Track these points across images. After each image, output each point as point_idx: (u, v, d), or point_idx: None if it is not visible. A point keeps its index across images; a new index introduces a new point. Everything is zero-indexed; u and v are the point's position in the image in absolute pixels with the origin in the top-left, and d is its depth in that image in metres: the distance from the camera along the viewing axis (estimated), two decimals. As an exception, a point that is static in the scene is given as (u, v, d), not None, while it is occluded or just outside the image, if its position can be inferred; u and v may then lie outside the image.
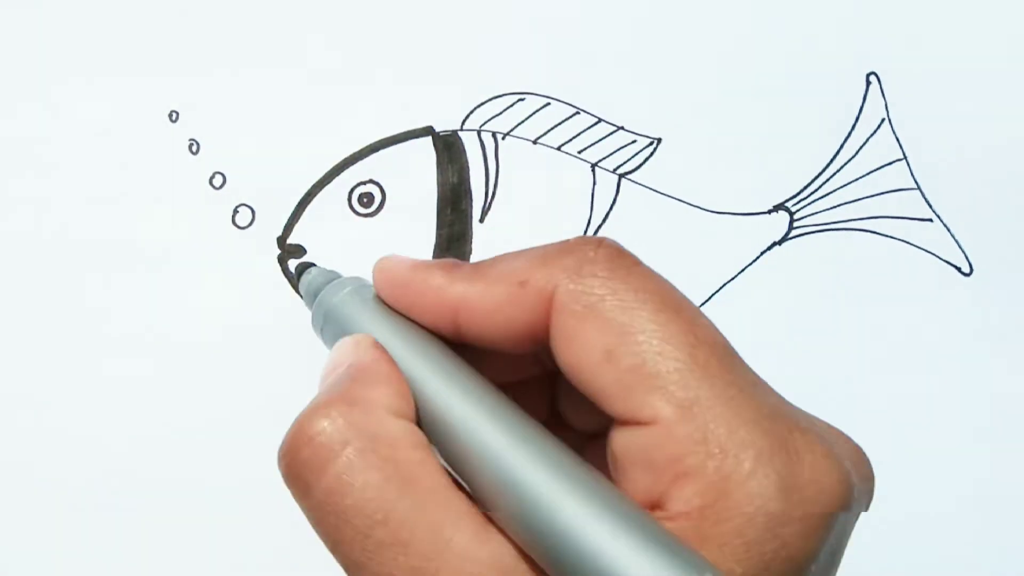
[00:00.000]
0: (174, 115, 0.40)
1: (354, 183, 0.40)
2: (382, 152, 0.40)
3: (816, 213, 0.41)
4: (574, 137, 0.41)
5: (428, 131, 0.40)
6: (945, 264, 0.41)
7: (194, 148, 0.40)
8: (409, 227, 0.40)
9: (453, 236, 0.40)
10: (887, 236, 0.41)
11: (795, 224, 0.41)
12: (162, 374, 0.38)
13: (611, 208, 0.41)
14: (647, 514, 0.19)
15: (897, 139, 0.42)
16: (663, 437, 0.19)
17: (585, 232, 0.40)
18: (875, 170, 0.42)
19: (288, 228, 0.39)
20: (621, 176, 0.41)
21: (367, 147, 0.40)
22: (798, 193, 0.41)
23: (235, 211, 0.39)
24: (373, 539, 0.19)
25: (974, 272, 0.41)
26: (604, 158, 0.41)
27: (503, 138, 0.40)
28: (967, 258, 0.41)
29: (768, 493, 0.18)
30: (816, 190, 0.41)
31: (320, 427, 0.20)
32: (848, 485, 0.19)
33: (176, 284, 0.39)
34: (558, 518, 0.18)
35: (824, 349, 0.40)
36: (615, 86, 0.41)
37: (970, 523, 0.40)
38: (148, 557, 0.37)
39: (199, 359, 0.38)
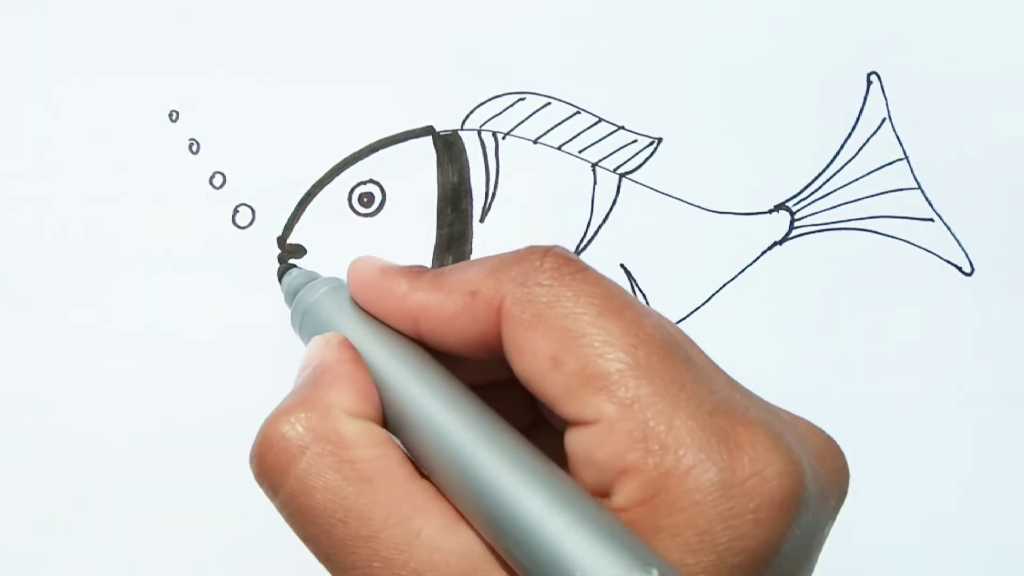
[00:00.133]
0: (174, 115, 0.40)
1: (354, 183, 0.40)
2: (382, 152, 0.40)
3: (817, 213, 0.41)
4: (574, 137, 0.41)
5: (428, 131, 0.40)
6: (946, 264, 0.41)
7: (194, 148, 0.40)
8: (409, 227, 0.40)
9: (453, 236, 0.40)
10: (888, 236, 0.41)
11: (796, 224, 0.41)
12: (162, 374, 0.38)
13: (611, 208, 0.41)
14: (604, 508, 0.19)
15: (898, 139, 0.42)
16: (605, 435, 0.19)
17: (586, 232, 0.40)
18: (876, 170, 0.42)
19: (288, 228, 0.39)
20: (621, 176, 0.41)
21: (367, 147, 0.40)
22: (799, 193, 0.41)
23: (235, 211, 0.39)
24: (338, 536, 0.20)
25: (975, 272, 0.41)
26: (604, 158, 0.41)
27: (503, 138, 0.40)
28: (968, 258, 0.41)
29: (707, 487, 0.18)
30: (817, 190, 0.41)
31: (281, 432, 0.22)
32: (797, 476, 0.19)
33: (176, 284, 0.39)
34: (516, 512, 0.19)
35: (824, 349, 0.40)
36: (615, 86, 0.41)
37: (970, 523, 0.40)
38: (148, 557, 0.37)
39: (199, 359, 0.38)
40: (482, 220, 0.40)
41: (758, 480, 0.19)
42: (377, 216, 0.40)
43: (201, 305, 0.39)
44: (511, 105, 0.41)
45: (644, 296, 0.40)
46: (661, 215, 0.41)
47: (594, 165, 0.41)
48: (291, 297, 0.28)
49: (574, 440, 0.20)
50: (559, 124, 0.41)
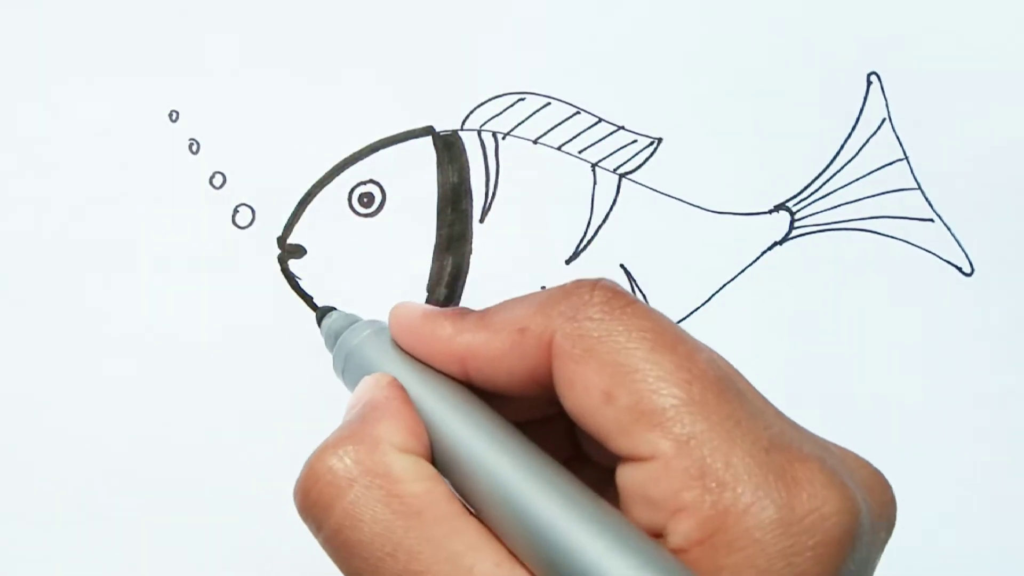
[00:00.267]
0: (174, 115, 0.40)
1: (354, 183, 0.40)
2: (382, 152, 0.40)
3: (817, 213, 0.41)
4: (574, 137, 0.41)
5: (428, 131, 0.40)
6: (945, 264, 0.41)
7: (194, 148, 0.40)
8: (409, 227, 0.40)
9: (453, 236, 0.40)
10: (888, 236, 0.41)
11: (796, 224, 0.41)
12: (162, 374, 0.38)
13: (611, 208, 0.41)
14: (664, 550, 0.19)
15: (898, 139, 0.42)
16: (661, 472, 0.19)
17: (585, 232, 0.40)
18: (876, 170, 0.42)
19: (288, 228, 0.39)
20: (621, 176, 0.41)
21: (367, 147, 0.40)
22: (799, 193, 0.41)
23: (235, 211, 0.39)
24: (386, 571, 0.20)
25: (975, 272, 0.41)
26: (604, 158, 0.41)
27: (503, 138, 0.40)
28: (968, 258, 0.41)
29: (767, 525, 0.18)
30: (817, 190, 0.41)
31: (329, 465, 0.21)
32: (854, 513, 0.19)
33: (176, 284, 0.39)
34: (577, 555, 0.19)
35: (824, 349, 0.40)
36: (615, 86, 0.41)
37: (970, 523, 0.40)
38: (148, 557, 0.37)
39: (199, 359, 0.38)
40: (482, 220, 0.40)
41: (817, 517, 0.19)
42: (377, 216, 0.40)
43: (201, 305, 0.39)
44: (511, 105, 0.41)
45: (644, 296, 0.40)
46: (661, 215, 0.41)
47: (594, 165, 0.41)
48: (332, 340, 0.29)
49: (627, 476, 0.20)
50: (559, 124, 0.41)
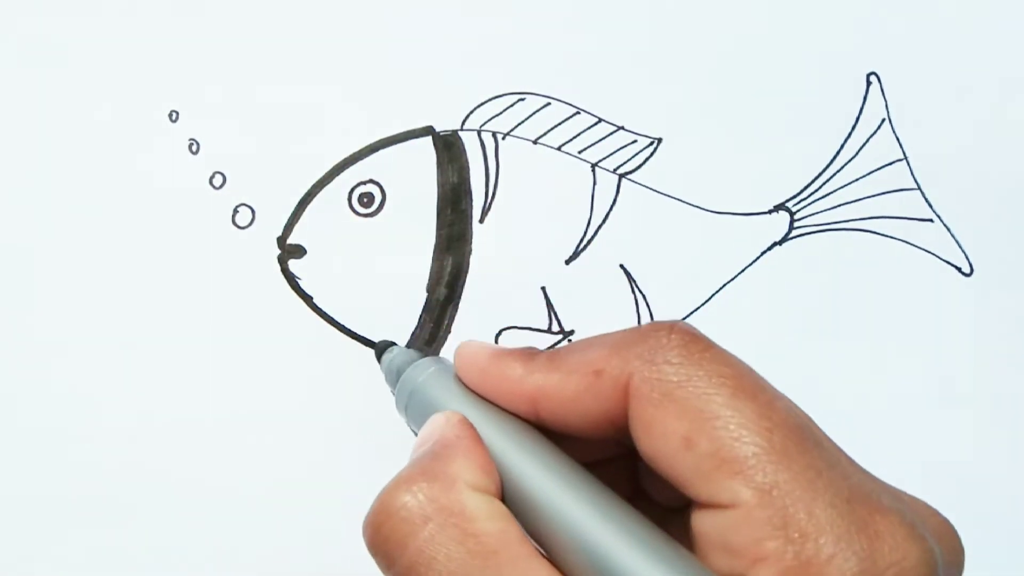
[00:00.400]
0: (174, 115, 0.40)
1: (354, 183, 0.40)
2: (382, 152, 0.40)
3: (817, 213, 0.41)
4: (574, 137, 0.41)
5: (428, 131, 0.40)
6: (945, 264, 0.41)
7: (194, 148, 0.40)
8: (409, 227, 0.40)
9: (453, 236, 0.40)
10: (887, 236, 0.41)
11: (795, 224, 0.41)
12: (162, 374, 0.38)
13: (611, 208, 0.41)
14: None
15: (898, 139, 0.42)
16: (742, 521, 0.19)
17: (585, 232, 0.40)
18: (875, 170, 0.42)
19: (288, 228, 0.39)
20: (621, 176, 0.41)
21: (367, 147, 0.40)
22: (798, 193, 0.41)
23: (235, 211, 0.39)
24: None
25: (974, 272, 0.41)
26: (604, 158, 0.41)
27: (503, 138, 0.40)
28: (967, 258, 0.41)
29: None
30: (817, 190, 0.41)
31: (402, 502, 0.21)
32: (932, 566, 0.19)
33: (176, 284, 0.39)
34: None
35: (824, 349, 0.40)
36: (615, 86, 0.41)
37: (970, 523, 0.40)
38: (148, 557, 0.37)
39: (199, 359, 0.38)
40: (482, 220, 0.40)
41: (898, 570, 0.19)
42: (377, 216, 0.40)
43: (201, 305, 0.39)
44: (511, 105, 0.41)
45: (644, 296, 0.40)
46: (661, 215, 0.41)
47: (594, 165, 0.41)
48: (393, 376, 0.29)
49: (705, 522, 0.20)
50: (559, 124, 0.41)
